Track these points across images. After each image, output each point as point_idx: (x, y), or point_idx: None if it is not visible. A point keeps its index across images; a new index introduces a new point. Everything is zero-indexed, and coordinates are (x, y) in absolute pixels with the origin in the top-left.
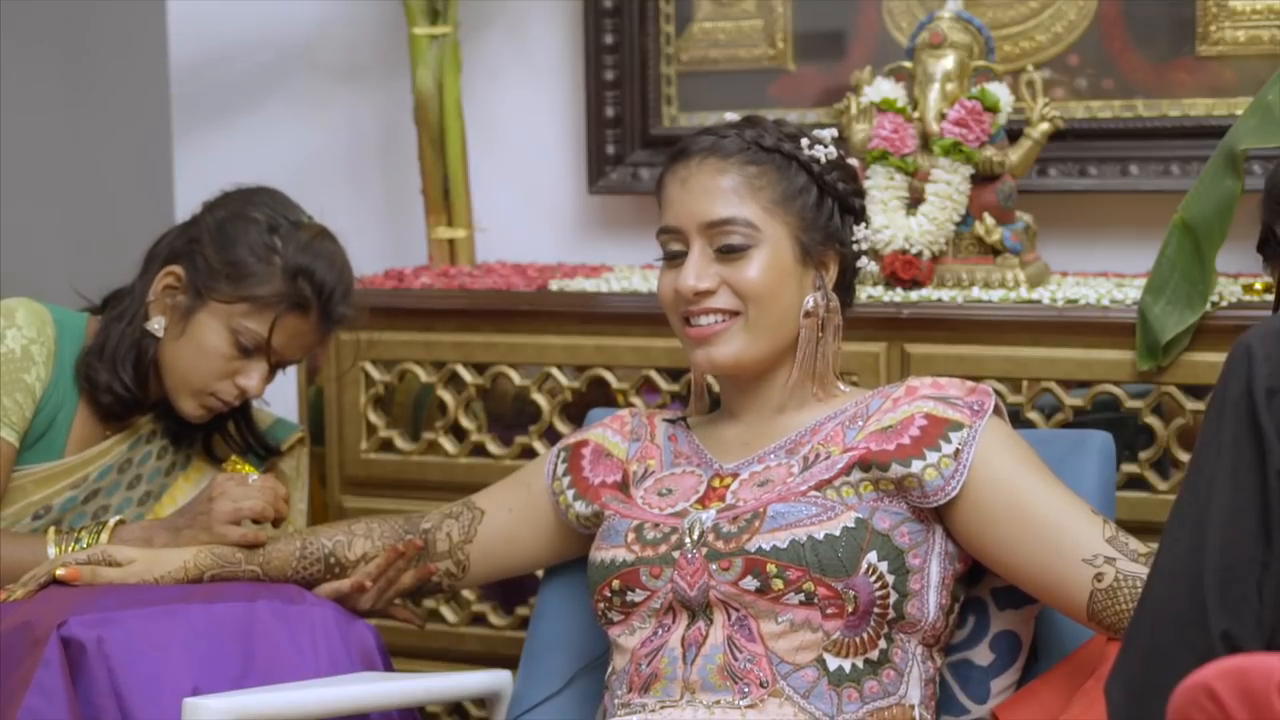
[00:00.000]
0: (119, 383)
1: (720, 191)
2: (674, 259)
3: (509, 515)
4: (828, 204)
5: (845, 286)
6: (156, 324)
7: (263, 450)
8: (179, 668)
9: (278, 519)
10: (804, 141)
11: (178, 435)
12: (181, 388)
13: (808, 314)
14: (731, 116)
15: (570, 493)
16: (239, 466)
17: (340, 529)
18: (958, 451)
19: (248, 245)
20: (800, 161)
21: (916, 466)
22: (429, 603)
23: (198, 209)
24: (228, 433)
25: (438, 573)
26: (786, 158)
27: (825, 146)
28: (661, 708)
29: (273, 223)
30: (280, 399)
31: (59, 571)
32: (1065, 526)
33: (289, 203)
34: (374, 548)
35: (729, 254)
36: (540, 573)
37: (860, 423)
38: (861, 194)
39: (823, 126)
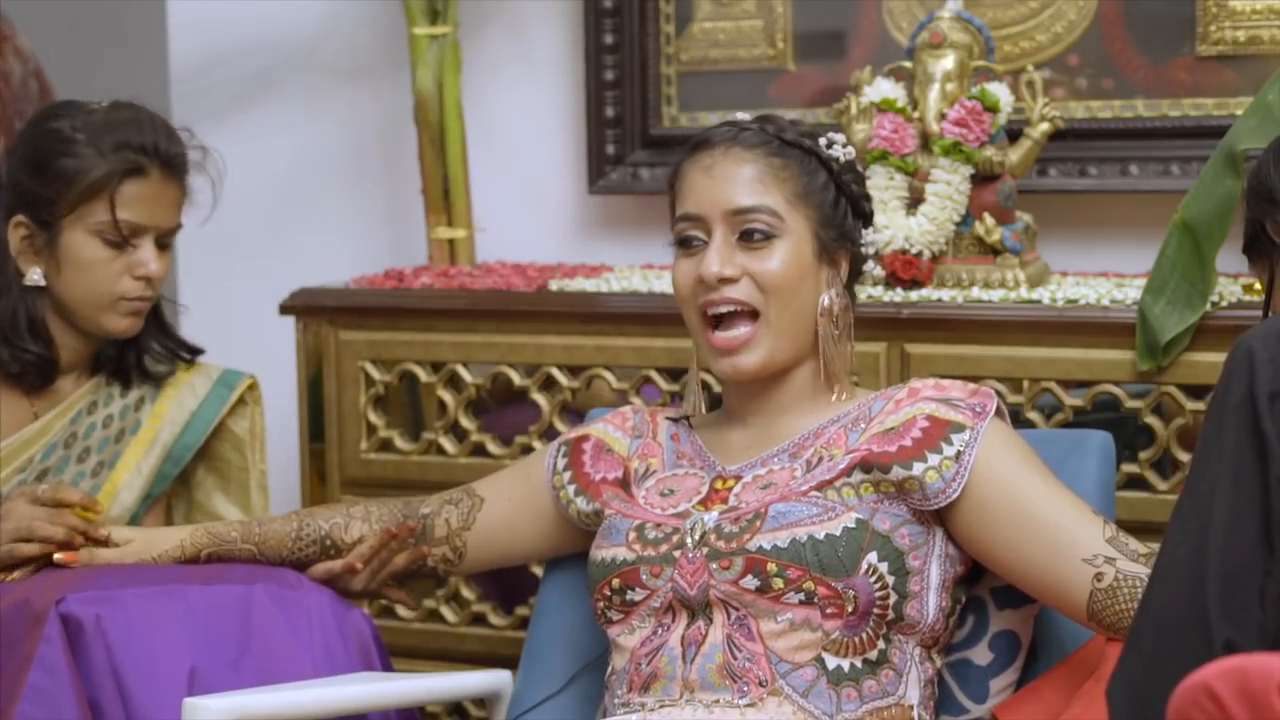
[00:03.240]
0: (24, 351)
1: (745, 180)
2: (691, 247)
3: (509, 505)
4: (843, 203)
5: (850, 289)
6: (35, 274)
7: (187, 353)
8: (177, 647)
9: (95, 538)
10: (823, 141)
11: (115, 381)
12: (93, 310)
13: (824, 312)
14: (743, 115)
15: (571, 488)
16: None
17: (338, 511)
18: (959, 453)
19: (56, 154)
20: (821, 158)
21: (917, 469)
22: (429, 602)
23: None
24: (151, 348)
25: (430, 555)
26: (808, 153)
27: (843, 147)
28: (661, 707)
29: (69, 123)
30: (280, 396)
31: (56, 556)
32: (1066, 527)
33: (74, 102)
34: (371, 531)
35: (751, 242)
36: (540, 572)
37: (863, 425)
38: (870, 198)
39: (823, 127)
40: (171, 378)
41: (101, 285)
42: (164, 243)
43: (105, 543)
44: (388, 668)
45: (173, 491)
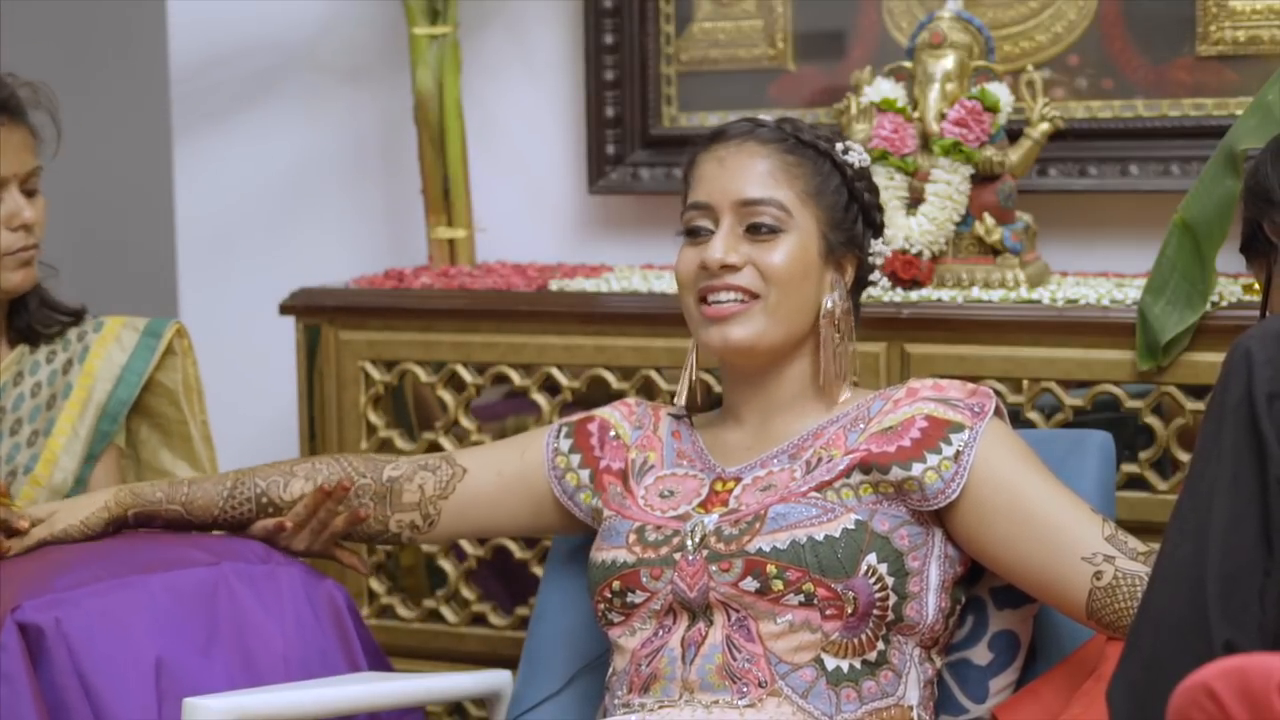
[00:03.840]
0: None
1: (757, 173)
2: (697, 236)
3: (497, 479)
4: (854, 209)
5: (855, 297)
6: None
7: (69, 316)
8: (140, 640)
9: (16, 529)
10: (839, 145)
11: (36, 348)
12: None
13: (826, 315)
14: (765, 117)
15: (585, 473)
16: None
17: (280, 469)
18: (958, 453)
19: None
20: (835, 161)
21: (917, 470)
22: (429, 602)
23: None
24: (36, 315)
25: (395, 520)
26: (822, 154)
27: (859, 154)
28: (660, 707)
29: None
30: (280, 396)
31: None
32: (1065, 525)
33: None
34: (313, 489)
35: (758, 235)
36: (540, 572)
37: (862, 425)
38: (882, 210)
39: (824, 127)
40: (97, 335)
41: None
42: (29, 188)
43: (26, 531)
44: (364, 637)
45: (123, 454)
